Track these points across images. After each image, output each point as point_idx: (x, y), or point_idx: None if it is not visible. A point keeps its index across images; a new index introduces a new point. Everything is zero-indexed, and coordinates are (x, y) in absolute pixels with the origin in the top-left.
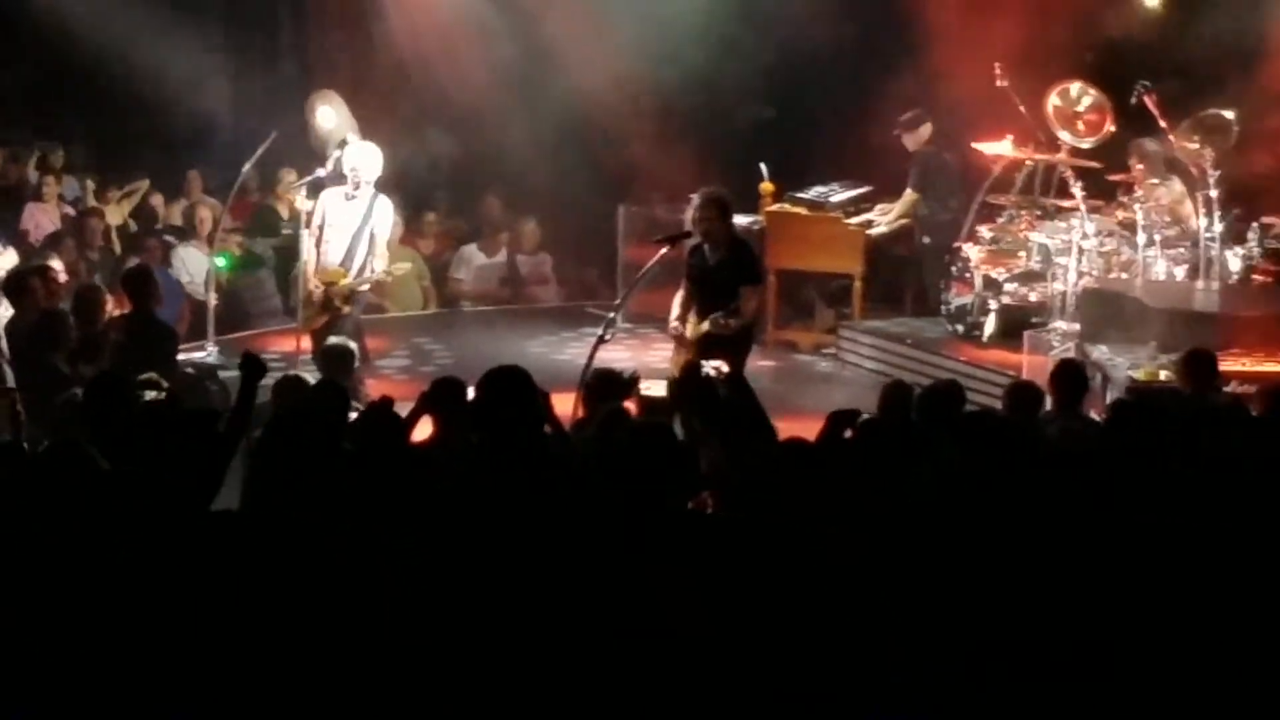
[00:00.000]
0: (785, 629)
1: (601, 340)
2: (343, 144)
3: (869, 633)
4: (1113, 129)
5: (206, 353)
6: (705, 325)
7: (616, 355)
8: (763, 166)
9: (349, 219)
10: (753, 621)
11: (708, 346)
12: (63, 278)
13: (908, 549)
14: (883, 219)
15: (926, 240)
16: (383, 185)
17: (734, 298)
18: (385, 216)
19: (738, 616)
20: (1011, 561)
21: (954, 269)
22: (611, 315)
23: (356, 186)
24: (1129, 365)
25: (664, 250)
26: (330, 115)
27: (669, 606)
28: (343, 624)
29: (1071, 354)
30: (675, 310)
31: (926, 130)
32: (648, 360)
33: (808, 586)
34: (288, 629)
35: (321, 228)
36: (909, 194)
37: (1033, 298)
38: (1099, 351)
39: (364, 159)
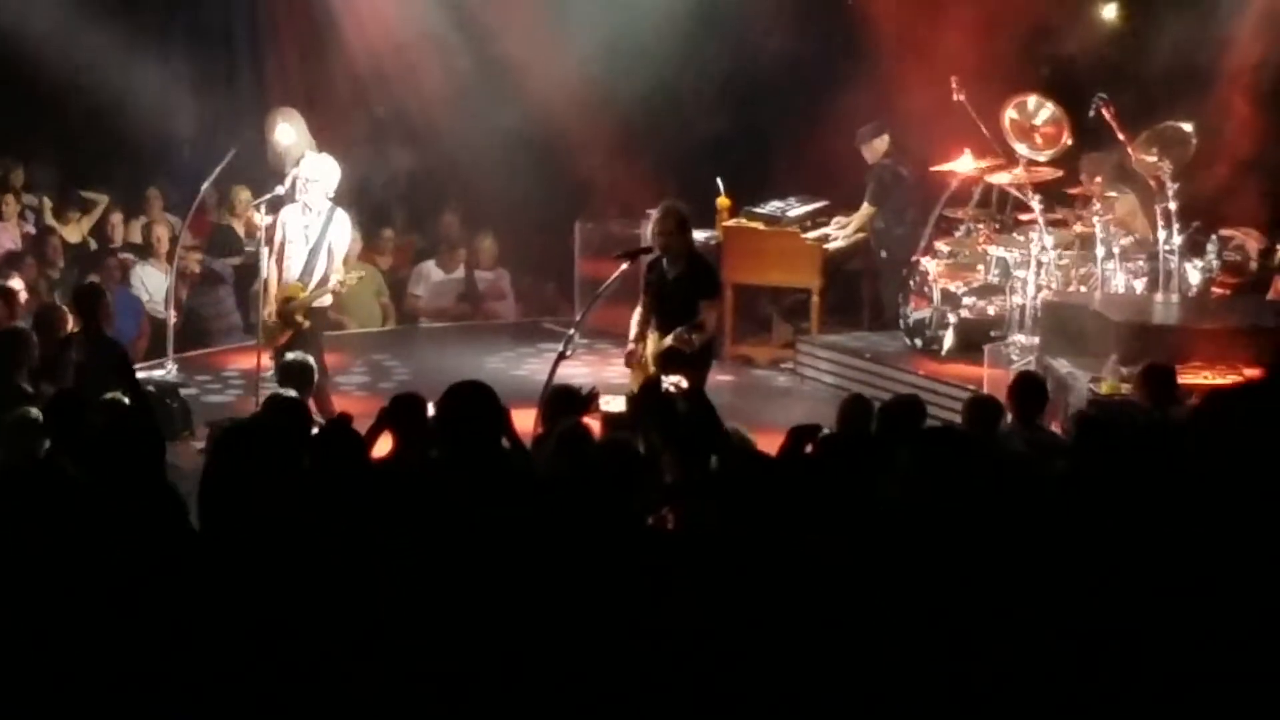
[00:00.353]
0: (743, 643)
1: (562, 356)
2: (301, 161)
3: (826, 649)
4: (1070, 142)
5: (166, 370)
6: (668, 340)
7: (576, 371)
8: (719, 181)
9: (307, 234)
10: (713, 635)
11: (668, 362)
12: (24, 296)
13: (870, 564)
14: (840, 233)
15: (884, 254)
16: (340, 200)
17: (693, 312)
18: (343, 231)
19: (699, 630)
20: (973, 577)
21: (912, 283)
22: (571, 331)
23: (307, 193)
24: (1090, 379)
25: (624, 266)
26: (289, 132)
27: (632, 621)
28: (306, 638)
29: (1031, 367)
30: (634, 327)
31: (883, 143)
32: (607, 376)
33: (767, 601)
34: (253, 646)
35: (282, 244)
36: (866, 207)
37: (991, 311)
38: (1059, 365)
39: (320, 171)
